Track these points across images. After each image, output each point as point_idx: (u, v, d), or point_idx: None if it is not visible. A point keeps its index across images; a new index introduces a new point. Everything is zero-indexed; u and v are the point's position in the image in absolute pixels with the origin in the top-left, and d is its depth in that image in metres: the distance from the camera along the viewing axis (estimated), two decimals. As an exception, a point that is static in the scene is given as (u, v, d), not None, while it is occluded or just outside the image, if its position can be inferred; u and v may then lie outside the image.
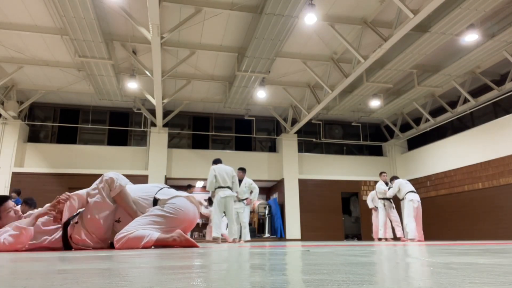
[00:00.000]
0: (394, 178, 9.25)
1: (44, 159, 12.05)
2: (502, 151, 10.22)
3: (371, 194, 10.49)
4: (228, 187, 7.07)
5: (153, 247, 3.12)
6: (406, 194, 8.61)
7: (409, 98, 11.74)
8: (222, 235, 9.52)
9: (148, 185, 3.61)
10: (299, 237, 12.80)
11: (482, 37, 8.51)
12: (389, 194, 9.03)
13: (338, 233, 13.21)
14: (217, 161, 7.40)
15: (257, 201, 14.88)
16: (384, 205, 9.33)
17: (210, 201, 10.07)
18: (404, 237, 8.62)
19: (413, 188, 8.72)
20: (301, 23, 7.80)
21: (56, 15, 7.76)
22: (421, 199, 10.27)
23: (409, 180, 13.80)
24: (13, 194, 8.22)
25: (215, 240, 7.06)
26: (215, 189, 7.02)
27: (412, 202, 8.43)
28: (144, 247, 3.04)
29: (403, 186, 8.77)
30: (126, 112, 13.32)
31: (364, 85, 10.54)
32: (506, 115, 10.30)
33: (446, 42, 8.58)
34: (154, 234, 3.11)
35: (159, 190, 3.46)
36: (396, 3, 6.92)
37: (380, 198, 9.44)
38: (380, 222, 9.37)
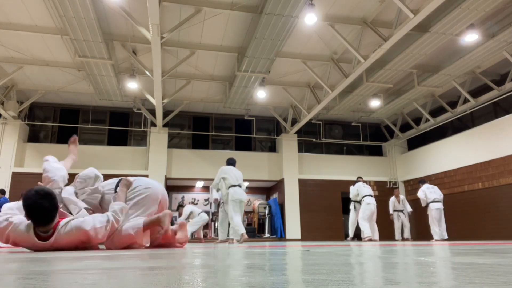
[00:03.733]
0: (357, 180, 10.00)
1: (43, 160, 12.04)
2: (502, 151, 10.22)
3: (392, 200, 11.07)
4: (239, 185, 6.91)
5: (146, 241, 3.12)
6: (363, 197, 9.33)
7: (409, 98, 11.74)
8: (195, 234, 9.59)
9: (110, 180, 3.67)
10: (299, 237, 12.79)
11: (482, 37, 8.51)
12: (351, 196, 9.85)
13: (338, 233, 13.21)
14: (231, 162, 7.19)
15: (257, 201, 14.88)
16: (355, 208, 9.95)
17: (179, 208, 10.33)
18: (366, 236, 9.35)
19: (370, 192, 9.45)
20: (301, 23, 7.80)
21: (56, 15, 7.75)
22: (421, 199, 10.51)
23: (409, 180, 13.86)
24: None
25: (228, 240, 6.86)
26: (228, 188, 6.85)
27: (369, 206, 9.18)
28: (137, 238, 3.04)
29: (361, 189, 9.51)
30: (126, 112, 13.31)
31: (364, 85, 10.53)
32: (506, 115, 10.30)
33: (446, 42, 8.58)
34: (139, 221, 3.12)
35: (120, 180, 3.53)
36: (396, 3, 6.92)
37: (352, 201, 10.07)
38: (350, 222, 10.01)
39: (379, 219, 13.58)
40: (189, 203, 10.97)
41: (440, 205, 9.60)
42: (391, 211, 10.97)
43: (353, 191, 9.73)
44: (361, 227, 9.24)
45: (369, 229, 9.05)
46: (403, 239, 10.85)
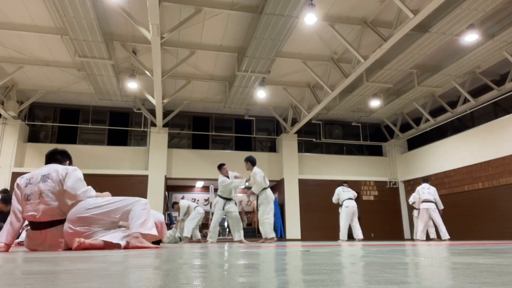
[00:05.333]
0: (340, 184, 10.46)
1: (44, 159, 12.02)
2: (502, 151, 10.22)
3: (413, 196, 11.05)
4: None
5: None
6: (343, 201, 9.75)
7: (409, 98, 11.74)
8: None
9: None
10: (299, 237, 12.79)
11: (482, 37, 8.51)
12: (333, 200, 10.18)
13: (338, 233, 13.20)
14: (255, 161, 7.40)
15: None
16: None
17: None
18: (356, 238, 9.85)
19: (350, 196, 9.81)
20: (301, 23, 7.80)
21: (56, 15, 7.75)
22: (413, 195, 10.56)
23: (409, 180, 13.86)
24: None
25: (270, 240, 6.99)
26: (263, 189, 7.14)
27: (347, 208, 9.59)
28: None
29: (340, 193, 9.93)
30: (126, 112, 13.31)
31: (364, 85, 10.53)
32: (506, 115, 10.30)
33: (446, 42, 8.58)
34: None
35: None
36: (396, 3, 6.92)
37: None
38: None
39: (385, 219, 13.66)
40: (182, 197, 10.93)
41: (428, 205, 9.47)
42: (417, 206, 10.81)
43: (334, 196, 10.18)
44: (341, 229, 9.81)
45: (346, 232, 9.62)
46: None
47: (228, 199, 7.63)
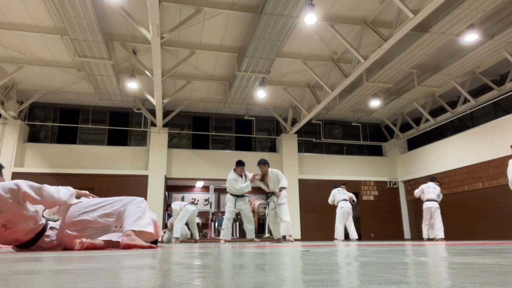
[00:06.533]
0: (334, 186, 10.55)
1: (44, 159, 12.04)
2: (502, 151, 10.20)
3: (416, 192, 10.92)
4: None
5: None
6: (338, 202, 10.00)
7: (409, 98, 11.74)
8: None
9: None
10: (299, 237, 12.79)
11: (482, 37, 8.51)
12: (329, 201, 10.38)
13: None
14: (268, 162, 7.46)
15: (257, 201, 14.87)
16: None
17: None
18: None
19: (345, 197, 10.00)
20: (301, 23, 7.79)
21: (56, 15, 7.75)
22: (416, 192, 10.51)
23: (409, 180, 13.87)
24: None
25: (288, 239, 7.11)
26: (283, 189, 7.25)
27: (342, 209, 9.85)
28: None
29: (336, 195, 10.16)
30: (126, 112, 13.31)
31: (364, 85, 10.53)
32: (506, 115, 10.29)
33: (446, 42, 8.58)
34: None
35: None
36: (396, 3, 6.92)
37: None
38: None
39: (385, 219, 13.66)
40: (182, 198, 10.95)
41: (430, 204, 9.40)
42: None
43: (330, 197, 10.35)
44: (336, 229, 10.01)
45: (342, 232, 9.86)
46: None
47: (239, 196, 7.36)
